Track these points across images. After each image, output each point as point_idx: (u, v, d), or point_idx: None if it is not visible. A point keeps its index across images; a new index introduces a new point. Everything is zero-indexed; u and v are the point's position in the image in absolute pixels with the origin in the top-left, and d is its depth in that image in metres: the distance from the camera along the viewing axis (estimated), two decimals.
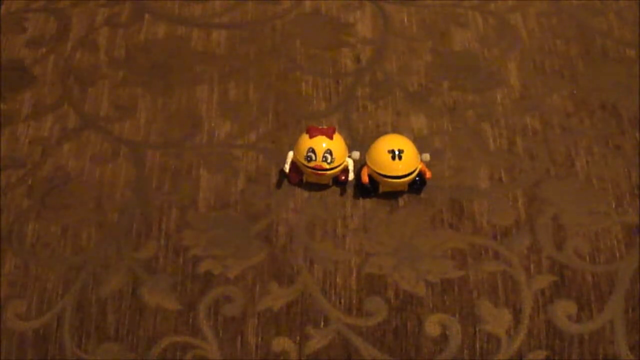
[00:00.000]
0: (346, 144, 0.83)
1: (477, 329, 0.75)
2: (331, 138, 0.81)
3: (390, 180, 0.80)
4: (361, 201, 0.83)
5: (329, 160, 0.80)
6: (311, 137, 0.81)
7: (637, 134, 0.89)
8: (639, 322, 0.75)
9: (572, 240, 0.80)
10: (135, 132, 0.90)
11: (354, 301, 0.77)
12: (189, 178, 0.86)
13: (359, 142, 0.88)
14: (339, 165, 0.82)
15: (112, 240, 0.81)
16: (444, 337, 0.74)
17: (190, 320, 0.76)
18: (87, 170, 0.87)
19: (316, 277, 0.78)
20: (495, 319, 0.75)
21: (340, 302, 0.76)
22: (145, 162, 0.87)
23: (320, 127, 0.82)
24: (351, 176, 0.83)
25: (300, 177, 0.84)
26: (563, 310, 0.76)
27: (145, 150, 0.88)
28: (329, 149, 0.80)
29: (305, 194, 0.84)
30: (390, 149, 0.80)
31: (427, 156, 0.82)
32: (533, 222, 0.81)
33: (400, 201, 0.83)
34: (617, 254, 0.79)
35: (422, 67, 0.96)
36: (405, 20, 1.01)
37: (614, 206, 0.82)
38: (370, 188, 0.83)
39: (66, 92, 0.95)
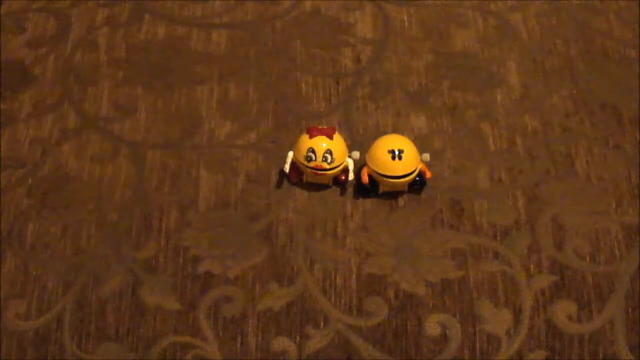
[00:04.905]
0: (346, 144, 0.83)
1: (477, 329, 0.75)
2: (331, 138, 0.81)
3: (390, 180, 0.80)
4: (361, 201, 0.83)
5: (329, 160, 0.80)
6: (311, 137, 0.81)
7: (637, 134, 0.89)
8: (639, 322, 0.75)
9: (572, 240, 0.80)
10: (135, 132, 0.90)
11: (354, 301, 0.77)
12: (189, 178, 0.86)
13: (359, 142, 0.87)
14: (339, 165, 0.82)
15: (112, 240, 0.81)
16: (444, 337, 0.74)
17: (190, 320, 0.76)
18: (87, 170, 0.87)
19: (316, 277, 0.78)
20: (495, 319, 0.75)
21: (340, 302, 0.76)
22: (145, 162, 0.87)
23: (320, 127, 0.82)
24: (351, 176, 0.83)
25: (300, 177, 0.84)
26: (563, 310, 0.76)
27: (145, 150, 0.88)
28: (329, 149, 0.80)
29: (305, 194, 0.84)
30: (390, 149, 0.80)
31: (427, 156, 0.82)
32: (533, 222, 0.81)
33: (400, 201, 0.83)
34: (617, 254, 0.79)
35: (422, 67, 0.96)
36: (405, 20, 1.01)
37: (614, 206, 0.82)
38: (370, 188, 0.83)
39: (66, 92, 0.95)
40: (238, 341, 0.74)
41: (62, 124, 0.91)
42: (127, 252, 0.80)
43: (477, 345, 0.74)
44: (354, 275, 0.78)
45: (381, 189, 0.83)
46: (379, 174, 0.81)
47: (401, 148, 0.80)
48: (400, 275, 0.78)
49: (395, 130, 0.89)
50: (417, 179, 0.82)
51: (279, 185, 0.85)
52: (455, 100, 0.92)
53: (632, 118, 0.90)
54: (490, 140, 0.88)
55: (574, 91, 0.93)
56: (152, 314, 0.76)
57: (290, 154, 0.83)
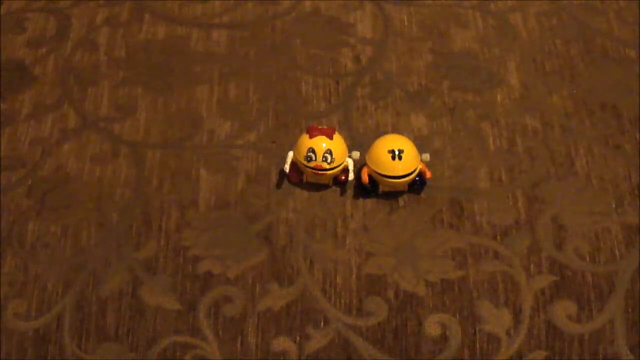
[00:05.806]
0: (346, 144, 0.83)
1: (477, 329, 0.75)
2: (331, 138, 0.81)
3: (390, 180, 0.80)
4: (361, 201, 0.83)
5: (329, 160, 0.80)
6: (311, 137, 0.81)
7: (637, 134, 0.89)
8: (639, 322, 0.75)
9: (572, 240, 0.80)
10: (135, 132, 0.90)
11: (354, 301, 0.77)
12: (189, 178, 0.86)
13: (359, 142, 0.88)
14: (339, 165, 0.82)
15: (112, 240, 0.81)
16: (444, 337, 0.74)
17: (190, 320, 0.76)
18: (87, 170, 0.87)
19: (316, 277, 0.78)
20: (495, 319, 0.75)
21: (340, 302, 0.76)
22: (145, 162, 0.87)
23: (320, 127, 0.83)
24: (351, 176, 0.83)
25: (300, 177, 0.84)
26: (563, 310, 0.76)
27: (145, 150, 0.88)
28: (329, 149, 0.80)
29: (305, 194, 0.84)
30: (390, 149, 0.80)
31: (427, 156, 0.82)
32: (533, 222, 0.81)
33: (400, 201, 0.83)
34: (617, 254, 0.79)
35: (422, 67, 0.96)
36: (405, 20, 1.01)
37: (614, 206, 0.82)
38: (370, 188, 0.83)
39: (66, 92, 0.95)
40: (238, 341, 0.75)
41: (62, 124, 0.91)
42: (127, 252, 0.80)
43: (477, 345, 0.74)
44: (354, 275, 0.78)
45: (381, 189, 0.83)
46: (379, 174, 0.81)
47: (401, 148, 0.80)
48: (400, 275, 0.78)
49: (395, 130, 0.89)
50: (417, 179, 0.82)
51: (279, 185, 0.85)
52: (455, 100, 0.92)
53: (632, 118, 0.90)
54: (490, 140, 0.88)
55: (574, 91, 0.93)
56: (152, 314, 0.76)
57: (290, 154, 0.83)
